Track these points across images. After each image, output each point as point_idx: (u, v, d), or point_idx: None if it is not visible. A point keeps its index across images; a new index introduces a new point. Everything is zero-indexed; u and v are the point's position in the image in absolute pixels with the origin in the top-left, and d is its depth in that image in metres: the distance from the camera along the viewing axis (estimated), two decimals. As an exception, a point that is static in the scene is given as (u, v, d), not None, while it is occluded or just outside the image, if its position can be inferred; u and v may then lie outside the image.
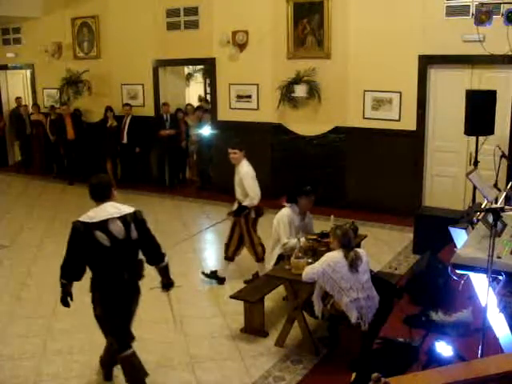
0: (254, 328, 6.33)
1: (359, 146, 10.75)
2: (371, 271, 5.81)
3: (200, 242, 9.89)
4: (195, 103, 14.08)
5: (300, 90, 10.86)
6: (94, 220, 4.68)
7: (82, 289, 5.00)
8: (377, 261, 8.13)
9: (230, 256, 7.78)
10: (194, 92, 16.71)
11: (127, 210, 4.89)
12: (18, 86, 17.35)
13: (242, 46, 11.72)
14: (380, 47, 10.22)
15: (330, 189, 10.96)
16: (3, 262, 8.93)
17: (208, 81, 14.46)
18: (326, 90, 10.83)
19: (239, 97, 12.02)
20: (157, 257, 5.15)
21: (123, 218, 4.80)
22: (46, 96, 15.62)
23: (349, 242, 5.52)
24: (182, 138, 13.49)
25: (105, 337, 5.15)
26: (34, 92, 16.24)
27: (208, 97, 14.43)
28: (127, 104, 13.52)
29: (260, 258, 7.67)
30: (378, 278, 5.98)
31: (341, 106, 10.80)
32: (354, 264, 5.41)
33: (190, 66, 15.67)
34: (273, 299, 6.95)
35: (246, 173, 7.49)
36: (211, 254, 9.46)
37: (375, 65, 10.32)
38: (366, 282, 5.50)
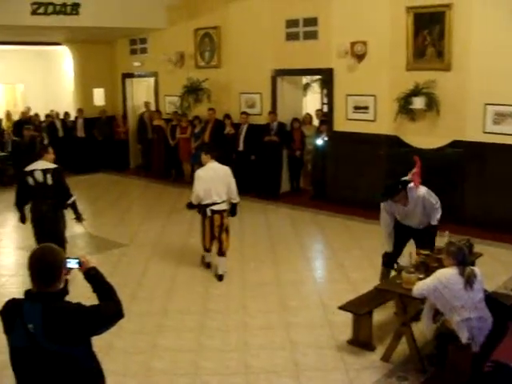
0: (361, 341, 6.28)
1: (478, 160, 10.40)
2: (485, 291, 5.62)
3: (311, 251, 9.92)
4: (314, 116, 14.18)
5: (418, 102, 10.65)
6: (27, 169, 7.81)
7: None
8: (492, 281, 7.81)
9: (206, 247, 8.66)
10: (311, 102, 16.74)
11: (51, 166, 7.86)
12: (142, 93, 18.12)
13: (360, 57, 11.66)
14: (504, 59, 9.87)
15: (446, 204, 10.66)
16: (122, 260, 9.36)
17: (325, 91, 14.45)
18: (445, 103, 10.56)
19: (356, 108, 11.96)
20: (65, 196, 7.94)
21: (44, 170, 7.76)
22: (168, 103, 16.19)
23: (463, 259, 5.36)
24: (297, 147, 13.55)
25: None
26: (156, 99, 16.89)
27: (325, 107, 14.43)
28: (244, 112, 13.77)
29: (206, 249, 8.65)
30: (491, 299, 5.76)
31: (460, 120, 10.50)
32: (469, 281, 5.25)
33: (308, 76, 15.72)
34: (383, 313, 6.86)
35: (195, 173, 8.57)
36: (322, 263, 9.48)
37: (498, 77, 9.96)
38: (478, 302, 5.32)
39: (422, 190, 6.95)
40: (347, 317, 6.46)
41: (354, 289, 7.65)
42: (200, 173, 8.28)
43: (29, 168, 7.85)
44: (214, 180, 8.19)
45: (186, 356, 6.15)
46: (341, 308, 6.47)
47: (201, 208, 8.36)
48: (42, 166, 7.84)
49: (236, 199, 8.55)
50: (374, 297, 6.48)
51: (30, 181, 7.74)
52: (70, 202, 8.00)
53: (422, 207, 6.96)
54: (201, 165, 8.61)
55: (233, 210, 8.63)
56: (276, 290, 7.92)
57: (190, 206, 8.53)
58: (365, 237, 10.22)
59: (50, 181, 7.76)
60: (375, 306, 6.41)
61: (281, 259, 9.22)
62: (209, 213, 8.24)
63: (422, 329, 5.98)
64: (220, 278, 8.38)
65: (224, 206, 8.33)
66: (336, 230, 10.86)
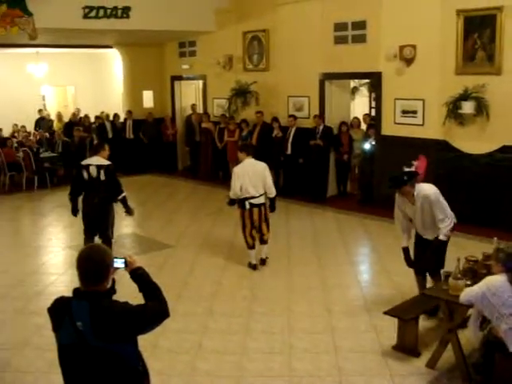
0: (406, 346, 6.22)
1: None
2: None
3: (357, 255, 9.86)
4: (362, 120, 14.14)
5: (467, 107, 10.49)
6: (83, 163, 8.45)
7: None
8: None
9: (249, 244, 9.00)
10: (359, 106, 16.66)
11: (104, 162, 8.37)
12: (190, 96, 18.32)
13: (409, 61, 11.55)
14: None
15: (495, 209, 10.50)
16: (168, 261, 9.46)
17: (373, 95, 14.36)
18: (495, 107, 10.36)
19: (404, 112, 11.85)
20: (116, 192, 8.47)
21: (98, 166, 8.31)
22: (216, 106, 16.32)
23: (513, 266, 5.26)
24: (345, 150, 13.50)
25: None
26: (205, 101, 17.04)
27: (373, 111, 14.34)
28: (292, 115, 13.76)
29: (249, 246, 8.94)
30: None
31: (510, 124, 10.28)
32: (519, 288, 5.14)
33: (356, 80, 15.64)
34: (430, 319, 6.79)
35: (233, 170, 9.03)
36: (367, 268, 9.42)
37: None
38: (527, 310, 5.21)
39: (429, 190, 6.66)
40: (392, 322, 6.41)
41: (400, 294, 7.58)
42: (237, 169, 8.80)
43: (85, 162, 8.52)
44: (251, 175, 8.65)
45: (231, 358, 6.18)
46: (386, 313, 6.42)
47: (240, 202, 8.77)
48: (96, 161, 8.42)
49: (272, 194, 8.92)
50: (420, 302, 6.42)
51: (85, 175, 8.36)
52: (120, 197, 8.56)
53: (429, 213, 6.67)
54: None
55: (272, 204, 9.04)
56: (321, 294, 7.91)
57: (231, 202, 8.96)
58: (412, 242, 10.08)
59: (102, 176, 8.33)
60: (421, 312, 6.35)
61: (326, 263, 9.20)
62: (247, 206, 8.71)
63: (469, 336, 5.89)
64: (263, 261, 9.04)
65: (262, 200, 8.82)
66: (383, 234, 10.76)
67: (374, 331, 6.75)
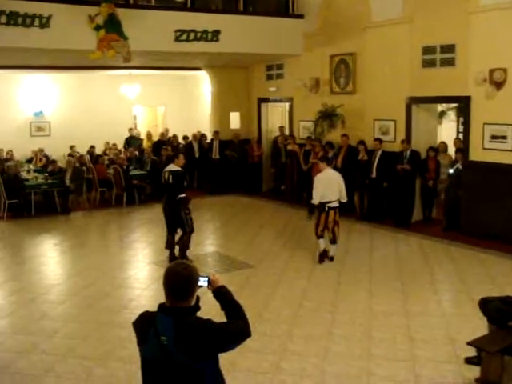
0: (490, 380, 5.97)
1: None
2: None
3: (441, 283, 9.60)
4: (450, 144, 13.84)
5: None
6: (164, 170, 10.23)
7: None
8: None
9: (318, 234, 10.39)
10: (446, 130, 16.33)
11: (174, 168, 10.06)
12: (276, 118, 18.47)
13: (499, 85, 11.26)
14: None
15: None
16: (249, 281, 9.53)
17: (461, 119, 14.06)
18: None
19: (493, 137, 11.52)
20: (179, 191, 10.08)
21: (170, 171, 10.02)
22: (302, 128, 16.40)
23: None
24: (431, 176, 13.24)
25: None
26: (291, 124, 17.14)
27: (460, 135, 14.04)
28: (377, 139, 13.65)
29: (318, 236, 10.34)
30: None
31: None
32: None
33: (444, 104, 15.36)
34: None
35: (315, 178, 10.33)
36: (452, 296, 9.16)
37: None
38: None
39: None
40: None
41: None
42: (320, 177, 10.20)
43: (165, 169, 10.34)
44: (330, 182, 10.12)
45: (308, 381, 6.16)
46: (470, 344, 6.21)
47: (319, 206, 10.14)
48: (170, 168, 10.15)
49: (345, 199, 10.37)
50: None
51: (162, 179, 10.21)
52: (177, 197, 10.06)
53: None
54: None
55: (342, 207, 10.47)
56: (403, 321, 7.76)
57: (311, 209, 10.38)
58: (499, 271, 9.79)
59: (171, 180, 10.04)
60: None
61: (410, 290, 9.02)
62: (326, 208, 10.12)
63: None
64: (331, 258, 10.41)
65: (337, 204, 10.23)
66: (469, 262, 10.47)
67: (456, 362, 6.56)
